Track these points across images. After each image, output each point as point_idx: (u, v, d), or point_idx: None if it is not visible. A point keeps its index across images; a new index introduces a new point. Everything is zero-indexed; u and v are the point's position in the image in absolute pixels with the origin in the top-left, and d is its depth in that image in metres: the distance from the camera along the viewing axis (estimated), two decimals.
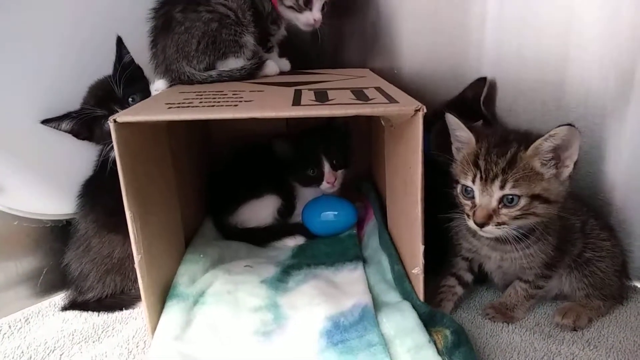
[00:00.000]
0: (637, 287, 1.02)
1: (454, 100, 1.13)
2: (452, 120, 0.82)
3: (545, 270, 0.89)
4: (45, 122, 0.97)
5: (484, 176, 0.77)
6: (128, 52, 1.04)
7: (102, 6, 1.07)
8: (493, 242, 0.85)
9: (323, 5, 1.11)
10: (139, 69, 1.07)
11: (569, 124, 0.73)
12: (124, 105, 1.00)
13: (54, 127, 0.99)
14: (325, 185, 1.14)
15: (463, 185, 0.80)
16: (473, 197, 0.79)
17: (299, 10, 1.09)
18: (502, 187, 0.75)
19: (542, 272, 0.89)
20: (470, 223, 0.79)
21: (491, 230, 0.78)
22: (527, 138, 0.77)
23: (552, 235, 0.85)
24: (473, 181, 0.78)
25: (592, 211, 0.97)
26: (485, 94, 1.10)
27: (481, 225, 0.77)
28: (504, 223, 0.77)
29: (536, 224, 0.80)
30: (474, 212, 0.78)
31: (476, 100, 1.09)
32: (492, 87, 1.12)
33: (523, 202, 0.76)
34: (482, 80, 1.10)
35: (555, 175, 0.77)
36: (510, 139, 0.79)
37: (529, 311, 0.94)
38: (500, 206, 0.77)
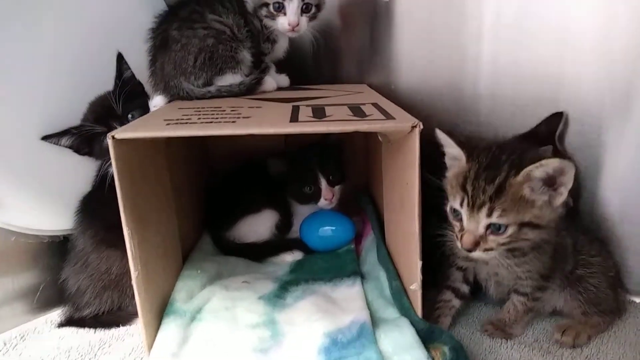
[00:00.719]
0: (635, 302, 1.02)
1: (527, 134, 1.07)
2: (441, 136, 0.81)
3: (542, 282, 0.88)
4: (45, 138, 0.98)
5: (471, 202, 0.75)
6: (129, 68, 1.05)
7: (102, 22, 1.08)
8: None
9: (303, 7, 1.07)
10: (139, 84, 1.08)
11: (558, 157, 0.71)
12: (123, 121, 1.00)
13: (54, 143, 0.99)
14: (323, 202, 1.14)
15: (451, 206, 0.79)
16: (461, 220, 0.78)
17: (273, 17, 1.07)
18: (489, 215, 0.74)
19: (539, 284, 0.88)
20: (458, 245, 0.78)
21: (479, 255, 0.77)
22: (520, 161, 0.74)
23: (548, 245, 0.84)
24: (461, 205, 0.77)
25: (581, 226, 0.97)
26: (560, 129, 1.05)
27: (468, 251, 0.76)
28: (491, 249, 0.75)
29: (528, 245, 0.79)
30: (462, 236, 0.77)
31: (551, 135, 1.04)
32: (566, 122, 1.07)
33: (511, 230, 0.74)
34: (559, 115, 1.05)
35: (547, 201, 0.74)
36: (502, 160, 0.76)
37: (527, 327, 0.93)
38: (487, 232, 0.75)
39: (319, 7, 1.11)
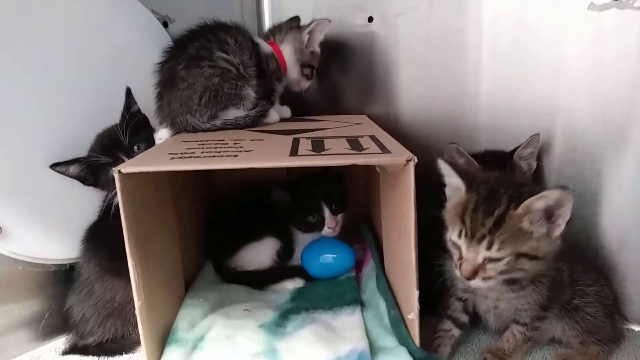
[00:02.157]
0: (634, 330, 1.02)
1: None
2: (443, 166, 0.82)
3: (541, 312, 0.89)
4: (53, 166, 1.00)
5: (469, 233, 0.76)
6: (136, 103, 1.09)
7: (110, 55, 1.11)
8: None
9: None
10: (144, 118, 1.11)
11: (562, 186, 0.72)
12: (129, 152, 1.03)
13: (62, 172, 1.01)
14: (326, 230, 1.16)
15: (450, 238, 0.81)
16: (460, 249, 0.79)
17: (309, 79, 1.24)
18: (488, 248, 0.75)
19: (538, 314, 0.89)
20: (457, 273, 0.79)
21: (478, 283, 0.78)
22: (519, 194, 0.75)
23: (547, 277, 0.85)
24: (459, 236, 0.78)
25: (577, 255, 0.97)
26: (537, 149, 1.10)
27: (467, 279, 0.78)
28: (490, 277, 0.77)
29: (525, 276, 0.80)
30: (460, 264, 0.78)
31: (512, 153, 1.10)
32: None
33: (508, 259, 0.75)
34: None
35: (545, 233, 0.75)
36: (501, 192, 0.77)
37: (526, 356, 0.94)
38: (485, 261, 0.76)
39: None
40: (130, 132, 1.04)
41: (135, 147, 1.05)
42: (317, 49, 1.22)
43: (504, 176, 0.87)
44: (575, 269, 0.94)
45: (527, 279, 0.82)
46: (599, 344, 0.92)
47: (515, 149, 1.09)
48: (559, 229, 0.75)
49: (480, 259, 0.76)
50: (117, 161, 1.02)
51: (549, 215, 0.74)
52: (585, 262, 1.00)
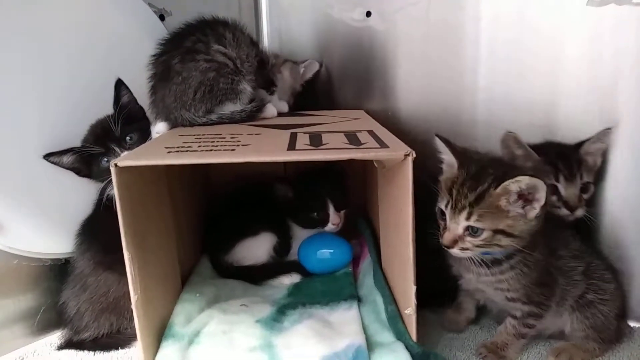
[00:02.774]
0: (632, 327, 1.02)
1: None
2: (439, 143, 0.89)
3: (534, 308, 0.89)
4: (47, 156, 1.00)
5: (453, 204, 0.83)
6: (127, 93, 1.07)
7: (107, 47, 1.11)
8: (467, 262, 0.89)
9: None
10: (140, 109, 1.10)
11: (531, 174, 0.78)
12: (121, 143, 1.03)
13: (56, 163, 1.01)
14: (330, 227, 1.16)
15: (439, 206, 0.87)
16: (445, 219, 0.85)
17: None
18: (467, 219, 0.82)
19: (530, 310, 0.90)
20: (441, 241, 0.86)
21: (456, 252, 0.85)
22: (503, 176, 0.80)
23: (531, 268, 0.87)
24: (446, 206, 0.85)
25: (596, 251, 0.98)
26: None
27: (447, 247, 0.85)
28: (467, 249, 0.83)
29: (506, 252, 0.85)
30: (443, 233, 0.85)
31: None
32: None
33: (486, 234, 0.81)
34: None
35: (522, 214, 0.81)
36: (488, 172, 0.83)
37: (522, 351, 0.94)
38: (465, 234, 0.83)
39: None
40: (122, 122, 1.03)
41: (128, 137, 1.04)
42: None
43: (498, 160, 0.94)
44: (594, 262, 0.95)
45: (514, 257, 0.86)
46: (600, 342, 0.92)
47: (581, 143, 1.03)
48: (534, 211, 0.81)
49: (460, 230, 0.83)
50: (109, 151, 1.02)
51: (524, 197, 0.80)
52: (606, 260, 1.00)
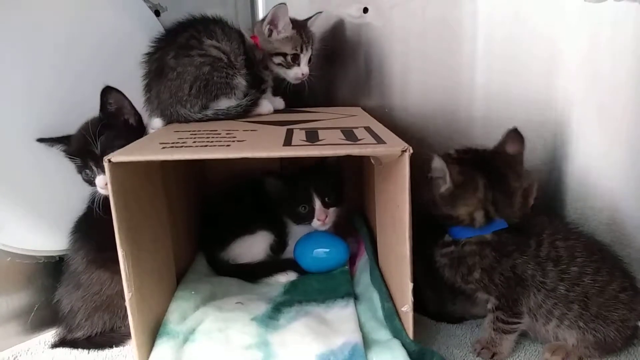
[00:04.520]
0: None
1: None
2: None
3: (505, 303, 0.89)
4: (40, 140, 0.99)
5: None
6: (117, 101, 1.00)
7: (100, 42, 1.09)
8: None
9: (309, 58, 1.19)
10: (135, 114, 1.04)
11: None
12: (99, 162, 0.93)
13: (49, 145, 1.00)
14: (316, 223, 1.14)
15: None
16: None
17: (288, 67, 1.16)
18: None
19: (502, 303, 0.89)
20: None
21: None
22: None
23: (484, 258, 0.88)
24: None
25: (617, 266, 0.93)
26: None
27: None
28: None
29: None
30: None
31: None
32: None
33: None
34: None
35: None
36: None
37: (513, 345, 0.93)
38: None
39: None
40: (106, 136, 0.96)
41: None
42: (289, 32, 1.14)
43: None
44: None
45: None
46: (600, 353, 0.90)
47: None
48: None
49: None
50: (87, 167, 0.97)
51: None
52: (630, 277, 0.92)
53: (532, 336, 0.95)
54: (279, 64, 1.16)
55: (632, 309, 0.89)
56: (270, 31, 1.14)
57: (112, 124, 0.99)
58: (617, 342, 0.89)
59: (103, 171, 0.90)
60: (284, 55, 1.15)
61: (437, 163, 0.86)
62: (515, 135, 0.95)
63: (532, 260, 0.88)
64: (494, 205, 0.88)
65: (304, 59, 1.17)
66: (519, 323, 0.91)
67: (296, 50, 1.15)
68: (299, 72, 1.17)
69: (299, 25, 1.17)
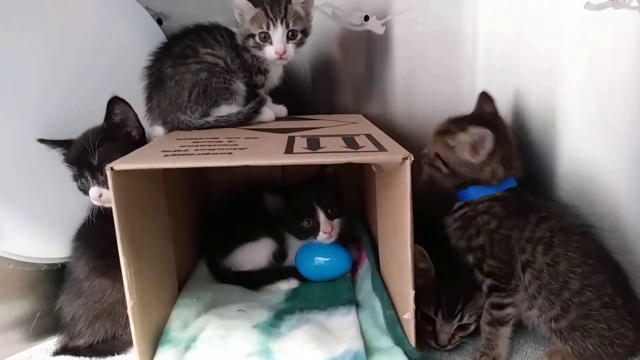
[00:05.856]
0: None
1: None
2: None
3: (500, 277, 0.91)
4: (41, 140, 0.98)
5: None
6: (123, 113, 0.99)
7: (99, 50, 1.10)
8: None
9: (289, 34, 1.08)
10: (138, 128, 1.02)
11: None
12: (95, 173, 0.94)
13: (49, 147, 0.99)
14: (322, 236, 1.10)
15: None
16: None
17: (260, 47, 1.09)
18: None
19: (496, 279, 0.91)
20: None
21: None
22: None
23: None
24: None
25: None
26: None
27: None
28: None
29: None
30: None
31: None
32: None
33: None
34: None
35: None
36: None
37: (509, 344, 0.94)
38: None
39: (305, 33, 1.11)
40: (105, 148, 0.95)
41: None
42: (253, 11, 1.07)
43: None
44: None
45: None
46: None
47: None
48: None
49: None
50: (83, 177, 0.96)
51: None
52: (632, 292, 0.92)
53: (529, 329, 0.95)
54: (254, 47, 1.09)
55: (616, 329, 0.84)
56: (242, 18, 1.09)
57: (114, 135, 0.98)
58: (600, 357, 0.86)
59: (98, 183, 0.94)
60: (252, 36, 1.08)
61: (477, 130, 0.89)
62: (486, 96, 1.03)
63: (526, 236, 0.91)
64: (505, 162, 0.92)
65: (276, 35, 1.07)
66: (512, 305, 0.92)
67: (262, 27, 1.07)
68: (272, 50, 1.07)
69: (267, 3, 1.07)
